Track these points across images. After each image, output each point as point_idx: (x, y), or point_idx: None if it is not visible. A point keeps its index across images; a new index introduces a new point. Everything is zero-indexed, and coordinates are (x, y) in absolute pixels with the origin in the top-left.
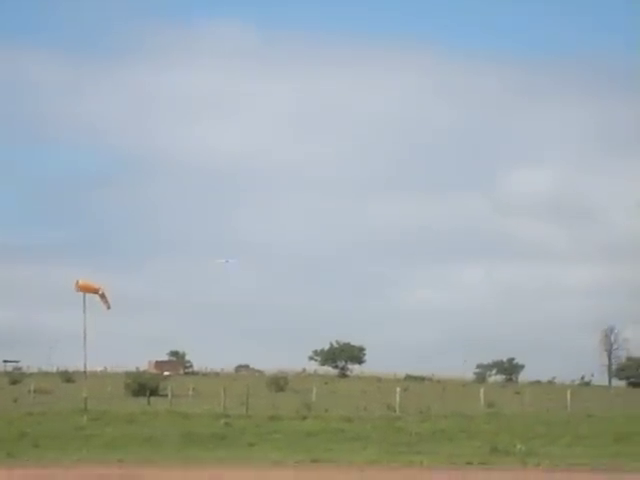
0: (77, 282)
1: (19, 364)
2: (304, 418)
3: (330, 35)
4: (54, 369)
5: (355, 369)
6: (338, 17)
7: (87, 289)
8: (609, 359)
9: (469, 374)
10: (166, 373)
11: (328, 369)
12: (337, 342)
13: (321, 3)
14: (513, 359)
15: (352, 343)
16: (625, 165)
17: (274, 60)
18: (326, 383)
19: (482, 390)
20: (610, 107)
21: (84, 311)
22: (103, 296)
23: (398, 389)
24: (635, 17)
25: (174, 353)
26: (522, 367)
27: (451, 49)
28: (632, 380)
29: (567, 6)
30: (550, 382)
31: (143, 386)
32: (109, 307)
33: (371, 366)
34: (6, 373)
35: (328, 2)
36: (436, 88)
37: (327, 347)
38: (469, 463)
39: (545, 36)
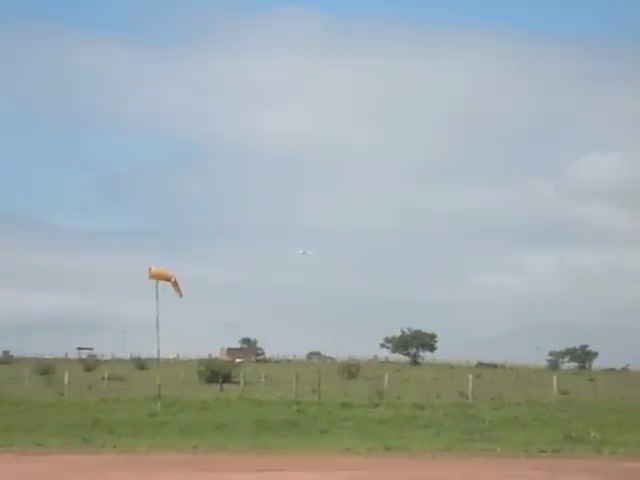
0: (150, 269)
1: (93, 351)
2: (376, 405)
3: (395, 21)
4: (127, 356)
5: (427, 356)
6: (403, 3)
7: (160, 276)
8: None
9: (542, 361)
10: (238, 360)
11: (399, 356)
12: (408, 329)
13: None
14: (586, 346)
15: (423, 330)
16: None
17: (338, 47)
18: (397, 370)
19: (555, 377)
20: None
21: (157, 298)
22: (175, 284)
23: (470, 376)
24: None
25: (246, 340)
26: (595, 354)
27: (517, 34)
28: None
29: None
30: (624, 369)
31: (216, 373)
32: (181, 295)
33: (443, 353)
34: (80, 360)
35: None
36: (503, 74)
37: (398, 334)
38: (543, 451)
39: (614, 21)
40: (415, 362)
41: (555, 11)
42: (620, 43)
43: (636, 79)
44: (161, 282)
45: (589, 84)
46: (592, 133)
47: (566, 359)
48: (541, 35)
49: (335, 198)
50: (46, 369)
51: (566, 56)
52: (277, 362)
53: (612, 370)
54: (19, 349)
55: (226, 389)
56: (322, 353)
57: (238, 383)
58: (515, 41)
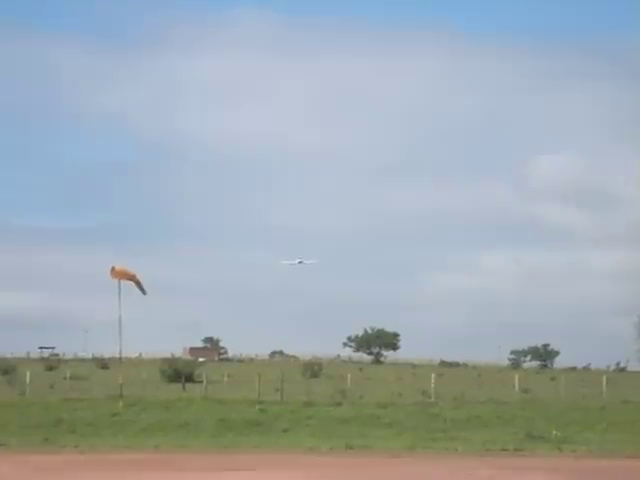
0: (113, 268)
1: (55, 350)
2: (338, 404)
3: (346, 21)
4: (89, 355)
5: (389, 355)
6: (354, 3)
7: (123, 275)
8: None
9: (504, 360)
10: (201, 359)
11: (362, 355)
12: (371, 328)
13: None
14: (548, 345)
15: (386, 329)
16: None
17: (291, 46)
18: (360, 369)
19: (517, 376)
20: (633, 93)
21: (119, 297)
22: (138, 282)
23: (433, 375)
24: None
25: (208, 339)
26: (557, 353)
27: (469, 34)
28: None
29: None
30: (585, 368)
31: (178, 372)
32: (145, 293)
33: (405, 352)
34: (42, 359)
35: None
36: (455, 73)
37: (361, 333)
38: (504, 449)
39: (570, 19)
40: (378, 361)
41: (508, 10)
42: (575, 42)
43: (591, 79)
44: (124, 281)
45: (544, 84)
46: (547, 133)
47: (528, 358)
48: (496, 34)
49: (295, 198)
50: (7, 368)
51: (521, 55)
52: (240, 361)
53: (574, 369)
54: None
55: (189, 388)
56: (285, 352)
57: (201, 382)
58: (468, 40)
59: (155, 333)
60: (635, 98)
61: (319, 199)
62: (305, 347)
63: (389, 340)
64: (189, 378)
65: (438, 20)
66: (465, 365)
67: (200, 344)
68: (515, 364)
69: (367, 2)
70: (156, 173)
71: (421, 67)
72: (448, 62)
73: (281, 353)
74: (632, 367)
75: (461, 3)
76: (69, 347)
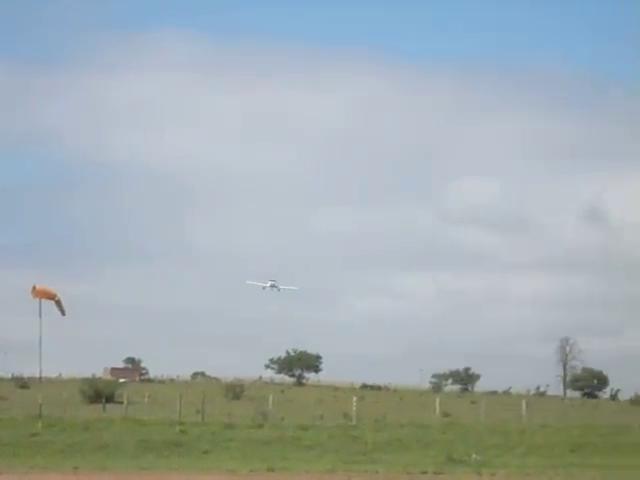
0: (34, 287)
1: None
2: (260, 426)
3: (283, 46)
4: (8, 375)
5: (311, 377)
6: (291, 28)
7: (44, 294)
8: (564, 370)
9: (425, 383)
10: (122, 380)
11: (284, 377)
12: (293, 350)
13: (274, 14)
14: (469, 369)
15: (308, 351)
16: (566, 176)
17: (227, 70)
18: (282, 391)
19: (438, 400)
20: (551, 120)
21: (40, 316)
22: (59, 302)
23: (354, 398)
24: (572, 32)
25: (130, 360)
26: (478, 377)
27: (395, 62)
28: (586, 391)
29: (507, 21)
30: (506, 392)
31: (99, 393)
32: (64, 314)
33: (327, 375)
34: None
35: (281, 13)
36: (382, 100)
37: (283, 355)
38: (424, 472)
39: (489, 49)
40: (300, 383)
41: (431, 40)
42: (495, 71)
43: (510, 107)
44: (44, 300)
45: (464, 112)
46: (467, 159)
47: (449, 381)
48: (419, 63)
49: (220, 219)
50: None
51: (441, 84)
52: (161, 382)
53: (494, 393)
54: None
55: (109, 409)
56: (207, 373)
57: (121, 403)
58: (393, 68)
59: (75, 353)
60: (554, 125)
61: (244, 221)
62: (227, 369)
63: (311, 362)
64: (110, 399)
65: (368, 46)
66: (387, 388)
67: (121, 364)
68: (436, 388)
69: (303, 29)
70: (79, 193)
71: (347, 92)
72: (373, 89)
73: (203, 374)
74: (552, 392)
75: (394, 32)
76: None
